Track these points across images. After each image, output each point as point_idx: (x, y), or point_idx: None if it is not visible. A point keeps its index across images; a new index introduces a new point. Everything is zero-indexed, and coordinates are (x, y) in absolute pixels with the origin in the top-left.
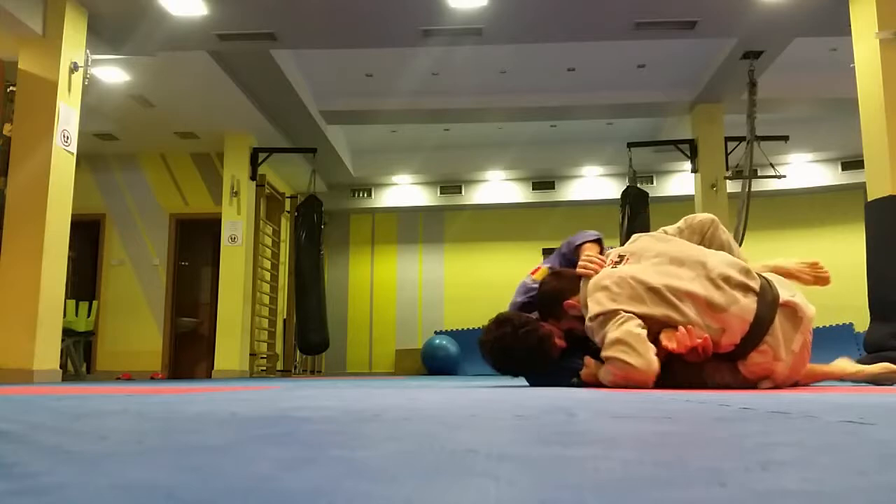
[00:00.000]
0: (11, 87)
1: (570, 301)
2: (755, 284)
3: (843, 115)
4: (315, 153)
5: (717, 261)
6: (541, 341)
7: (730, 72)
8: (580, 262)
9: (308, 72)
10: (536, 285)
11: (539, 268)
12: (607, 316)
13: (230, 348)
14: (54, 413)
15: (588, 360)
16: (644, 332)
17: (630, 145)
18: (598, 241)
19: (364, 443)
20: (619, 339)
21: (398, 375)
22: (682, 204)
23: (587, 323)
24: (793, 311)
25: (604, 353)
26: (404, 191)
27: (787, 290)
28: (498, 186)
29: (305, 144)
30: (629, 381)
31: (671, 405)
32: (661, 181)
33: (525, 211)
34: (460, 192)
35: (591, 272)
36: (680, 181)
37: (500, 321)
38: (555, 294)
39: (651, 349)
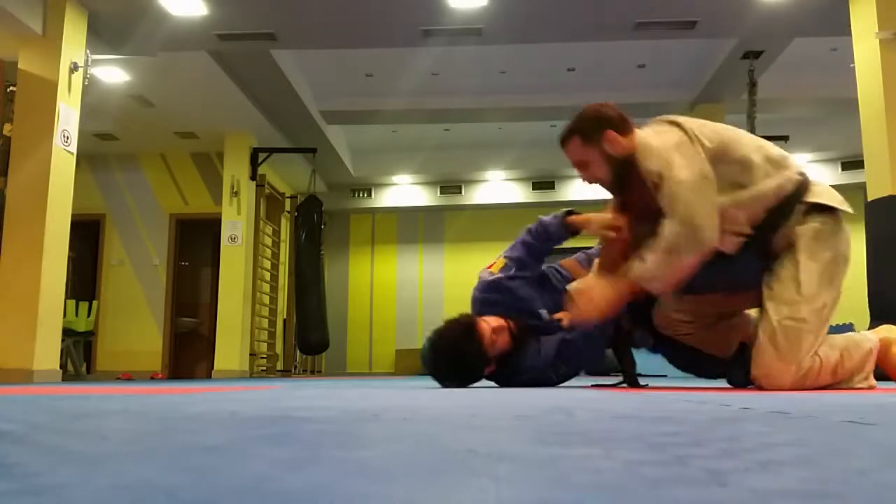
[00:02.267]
0: (11, 87)
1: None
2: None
3: (843, 115)
4: (315, 153)
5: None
6: (466, 329)
7: (730, 72)
8: (596, 230)
9: (308, 72)
10: (497, 277)
11: (497, 260)
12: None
13: (230, 348)
14: (54, 413)
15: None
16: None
17: None
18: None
19: (364, 443)
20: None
21: (398, 375)
22: None
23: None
24: None
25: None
26: (404, 191)
27: None
28: (498, 186)
29: (305, 144)
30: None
31: (671, 405)
32: None
33: (525, 211)
34: (460, 192)
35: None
36: None
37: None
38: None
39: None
